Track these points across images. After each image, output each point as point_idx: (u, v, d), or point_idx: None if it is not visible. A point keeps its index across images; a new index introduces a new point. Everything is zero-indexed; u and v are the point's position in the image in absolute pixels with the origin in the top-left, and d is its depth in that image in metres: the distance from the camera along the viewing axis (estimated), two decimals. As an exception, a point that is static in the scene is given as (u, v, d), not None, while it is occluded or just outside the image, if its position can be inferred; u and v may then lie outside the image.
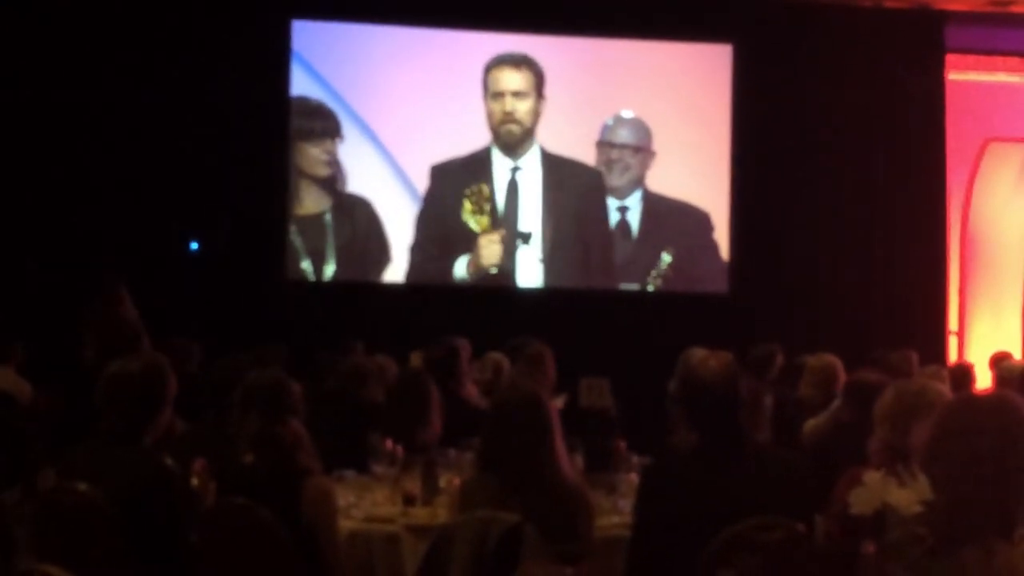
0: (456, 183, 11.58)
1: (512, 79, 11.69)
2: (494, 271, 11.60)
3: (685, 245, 11.92)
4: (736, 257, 11.91)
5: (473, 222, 11.52)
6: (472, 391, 7.79)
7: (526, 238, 11.59)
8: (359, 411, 6.43)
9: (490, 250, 11.59)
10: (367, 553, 5.00)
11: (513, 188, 11.65)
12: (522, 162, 11.70)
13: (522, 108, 11.66)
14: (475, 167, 11.61)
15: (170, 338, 8.37)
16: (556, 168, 11.71)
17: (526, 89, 11.69)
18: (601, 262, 11.87)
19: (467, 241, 11.60)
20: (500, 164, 11.67)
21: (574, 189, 11.76)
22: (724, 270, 11.95)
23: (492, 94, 11.66)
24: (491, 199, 11.57)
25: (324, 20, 11.53)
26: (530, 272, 11.72)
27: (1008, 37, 12.49)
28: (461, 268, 11.59)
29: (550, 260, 11.72)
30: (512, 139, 11.65)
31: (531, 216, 11.67)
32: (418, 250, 11.57)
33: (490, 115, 11.66)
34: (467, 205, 11.51)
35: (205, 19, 11.01)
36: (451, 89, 11.60)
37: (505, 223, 11.63)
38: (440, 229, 11.60)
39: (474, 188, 11.54)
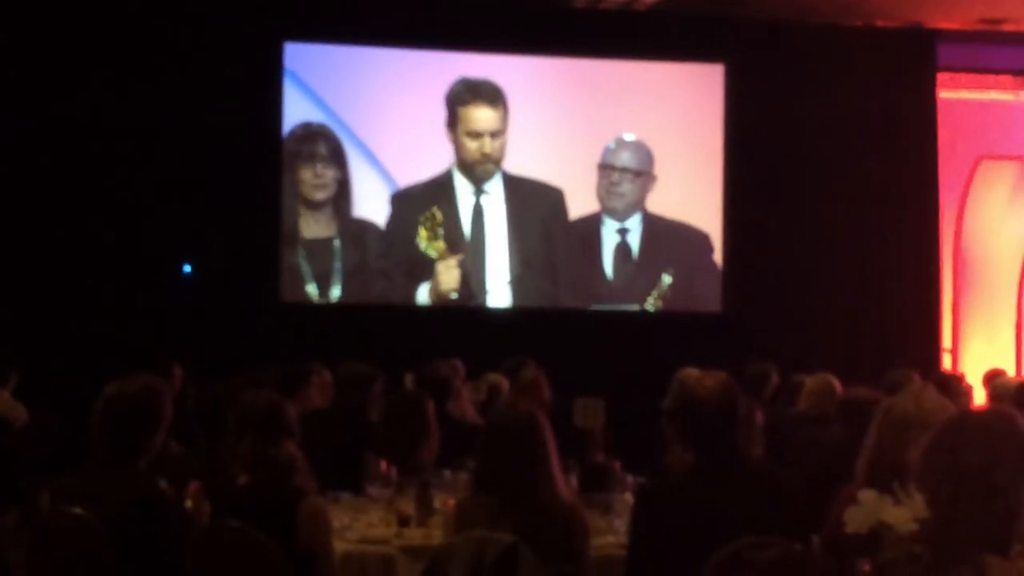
0: (418, 209, 11.56)
1: (489, 119, 11.66)
2: (454, 296, 11.57)
3: (685, 266, 11.94)
4: (729, 276, 11.93)
5: (430, 249, 11.49)
6: (469, 411, 7.80)
7: (463, 259, 11.57)
8: (354, 432, 6.42)
9: (448, 275, 11.55)
10: (362, 575, 4.99)
11: (479, 211, 11.65)
12: (487, 185, 11.71)
13: (498, 145, 11.67)
14: (437, 192, 11.59)
15: (154, 360, 8.37)
16: (518, 189, 11.72)
17: (502, 127, 11.68)
18: (584, 279, 11.88)
19: (428, 267, 11.59)
20: (463, 188, 11.67)
21: (536, 209, 11.77)
22: (720, 289, 11.97)
23: (468, 132, 11.61)
24: (444, 224, 11.52)
25: (317, 42, 11.54)
26: (500, 293, 11.72)
27: (1000, 55, 12.55)
28: (423, 294, 11.57)
29: (520, 281, 11.72)
30: (488, 175, 11.67)
31: (498, 238, 11.66)
32: (383, 278, 11.55)
33: (463, 150, 11.62)
34: (422, 233, 11.47)
35: (198, 41, 11.02)
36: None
37: (472, 246, 11.62)
38: (404, 256, 11.57)
39: (427, 214, 11.50)
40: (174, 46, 10.99)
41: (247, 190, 11.16)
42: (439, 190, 11.60)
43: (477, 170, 11.65)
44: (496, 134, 11.66)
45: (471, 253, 11.63)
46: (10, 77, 10.75)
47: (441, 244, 11.50)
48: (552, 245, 11.82)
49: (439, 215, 11.50)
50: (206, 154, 10.94)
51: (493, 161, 11.66)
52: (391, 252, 11.56)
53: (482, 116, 11.67)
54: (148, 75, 10.92)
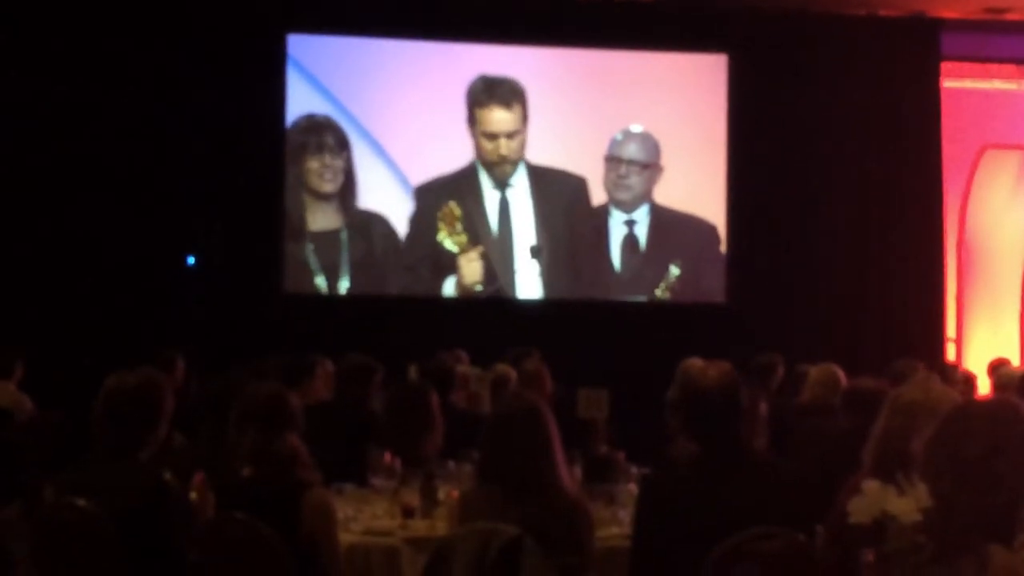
0: (441, 202, 11.56)
1: (505, 120, 11.66)
2: (479, 288, 11.57)
3: (693, 258, 11.93)
4: (734, 266, 11.92)
5: (450, 243, 11.49)
6: (484, 401, 7.81)
7: (536, 252, 11.58)
8: (357, 424, 6.43)
9: (470, 268, 11.55)
10: (366, 566, 4.99)
11: (504, 205, 11.65)
12: (512, 178, 11.71)
13: (515, 145, 11.67)
14: (462, 185, 11.59)
15: (159, 351, 8.40)
16: (542, 179, 11.72)
17: (518, 126, 11.67)
18: (592, 271, 11.88)
19: (453, 260, 11.59)
20: (487, 181, 11.68)
21: (560, 199, 11.77)
22: (724, 280, 11.96)
23: (484, 133, 11.62)
24: (464, 217, 11.53)
25: (320, 34, 11.53)
26: (529, 284, 11.71)
27: (1003, 44, 12.52)
28: (450, 288, 11.58)
29: (547, 272, 11.71)
30: (505, 176, 11.66)
31: (524, 229, 11.66)
32: (409, 272, 11.55)
33: (481, 150, 11.63)
34: (441, 227, 11.48)
35: (202, 34, 11.02)
36: (456, 103, 11.61)
37: (499, 238, 11.61)
38: (428, 250, 11.57)
39: (444, 210, 11.50)
40: (178, 38, 10.98)
41: (251, 182, 11.17)
42: (464, 183, 11.61)
43: (496, 170, 11.66)
44: (513, 134, 11.66)
45: (497, 245, 11.63)
46: (14, 71, 10.74)
47: (462, 237, 11.50)
48: (574, 235, 11.81)
49: (456, 209, 11.50)
50: (210, 146, 10.95)
51: (511, 162, 11.66)
52: (415, 245, 11.57)
53: (496, 118, 11.67)
54: (152, 67, 10.93)
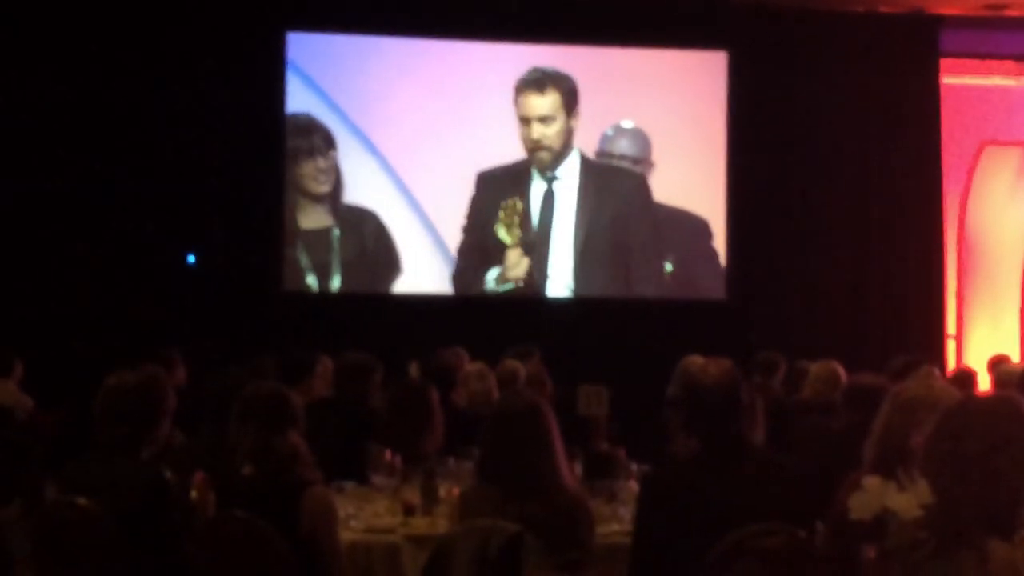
0: (496, 193, 11.59)
1: (536, 104, 11.67)
2: (521, 284, 11.60)
3: (685, 253, 11.92)
4: (733, 263, 11.92)
5: (505, 234, 11.52)
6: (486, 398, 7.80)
7: (530, 248, 11.58)
8: (357, 421, 6.43)
9: (517, 262, 11.59)
10: (367, 564, 4.99)
11: (549, 197, 11.64)
12: (560, 171, 11.70)
13: (550, 132, 11.65)
14: (515, 176, 11.62)
15: (158, 349, 8.40)
16: (596, 174, 11.72)
17: (552, 112, 11.66)
18: (644, 268, 11.87)
19: (501, 252, 11.62)
20: (535, 172, 11.70)
21: (616, 194, 11.76)
22: (723, 277, 11.95)
23: (521, 118, 11.66)
24: (524, 213, 11.56)
25: (319, 32, 11.52)
26: (560, 282, 11.72)
27: (1003, 40, 12.51)
28: (492, 279, 11.60)
29: (581, 269, 11.72)
30: (543, 164, 11.66)
31: (566, 225, 11.66)
32: (462, 256, 11.61)
33: (522, 138, 11.66)
34: (501, 217, 11.51)
35: (200, 33, 11.01)
36: (449, 101, 11.59)
37: (539, 233, 11.63)
38: (479, 237, 11.61)
39: (509, 202, 11.54)
40: (177, 38, 10.98)
41: (250, 180, 11.17)
42: (517, 174, 11.64)
43: (534, 159, 11.67)
44: (546, 120, 11.65)
45: (535, 238, 11.66)
46: (14, 71, 10.74)
47: (517, 232, 11.54)
48: (626, 232, 11.80)
49: (519, 204, 11.52)
50: (209, 145, 10.94)
51: (546, 148, 11.64)
52: (469, 233, 11.61)
53: (528, 103, 11.66)
54: (151, 66, 10.92)
